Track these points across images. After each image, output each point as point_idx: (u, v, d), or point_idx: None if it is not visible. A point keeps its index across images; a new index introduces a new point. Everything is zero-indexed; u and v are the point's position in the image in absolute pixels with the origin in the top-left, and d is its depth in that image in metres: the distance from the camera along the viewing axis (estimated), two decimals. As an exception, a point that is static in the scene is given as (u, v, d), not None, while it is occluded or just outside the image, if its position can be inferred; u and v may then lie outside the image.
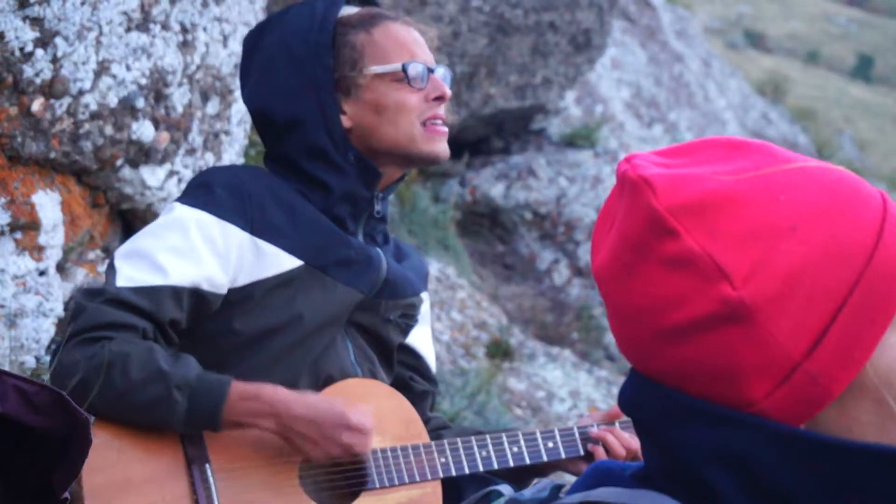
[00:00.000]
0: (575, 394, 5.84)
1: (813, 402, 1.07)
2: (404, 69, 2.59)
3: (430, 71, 2.64)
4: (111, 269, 2.46)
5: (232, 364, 2.49)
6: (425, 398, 2.84)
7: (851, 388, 1.07)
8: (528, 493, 1.07)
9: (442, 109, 2.65)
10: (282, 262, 2.53)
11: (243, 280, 2.52)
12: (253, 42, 2.70)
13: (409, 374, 2.83)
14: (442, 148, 2.65)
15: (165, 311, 2.43)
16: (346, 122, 2.60)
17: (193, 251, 2.46)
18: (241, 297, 2.52)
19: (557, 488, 1.07)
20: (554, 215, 7.59)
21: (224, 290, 2.50)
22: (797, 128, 17.42)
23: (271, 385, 2.43)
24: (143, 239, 2.51)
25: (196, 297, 2.46)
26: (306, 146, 2.60)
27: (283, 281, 2.54)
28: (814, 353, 1.06)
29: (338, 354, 2.61)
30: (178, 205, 2.53)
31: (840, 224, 1.07)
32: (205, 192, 2.53)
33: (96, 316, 2.38)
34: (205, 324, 2.51)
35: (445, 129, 2.65)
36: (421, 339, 2.87)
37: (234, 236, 2.50)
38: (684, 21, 15.40)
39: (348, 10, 2.69)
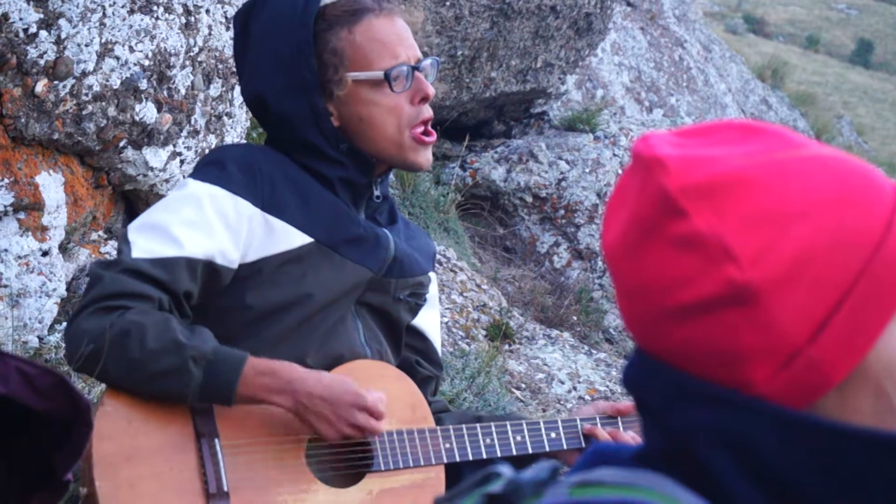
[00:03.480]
0: (574, 376, 5.86)
1: (812, 389, 1.07)
2: (386, 77, 2.59)
3: (415, 68, 2.62)
4: (125, 242, 2.47)
5: (241, 339, 2.51)
6: (428, 383, 2.85)
7: (852, 376, 1.07)
8: (527, 474, 1.07)
9: (428, 111, 2.66)
10: (292, 238, 2.55)
11: (253, 255, 2.53)
12: (243, 26, 2.68)
13: (414, 358, 2.84)
14: (426, 158, 2.66)
15: (181, 283, 2.44)
16: (334, 121, 2.61)
17: (207, 224, 2.47)
18: (251, 272, 2.53)
19: (556, 470, 1.07)
20: (554, 198, 7.60)
21: (235, 265, 2.51)
22: (796, 113, 17.41)
23: (287, 362, 2.45)
24: (157, 213, 2.52)
25: (209, 270, 2.48)
26: (299, 142, 2.62)
27: (293, 257, 2.55)
28: (816, 340, 1.05)
29: (348, 334, 2.62)
30: (191, 180, 2.55)
31: (850, 213, 1.07)
32: (217, 168, 2.55)
33: (113, 285, 2.39)
34: (215, 299, 2.52)
35: (432, 139, 2.66)
36: (429, 322, 2.87)
37: (246, 211, 2.51)
38: (685, 6, 15.37)
39: None
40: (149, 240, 2.45)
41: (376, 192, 2.69)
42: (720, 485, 1.07)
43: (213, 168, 2.56)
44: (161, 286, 2.42)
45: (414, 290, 2.76)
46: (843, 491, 1.07)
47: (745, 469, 1.07)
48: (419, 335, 2.86)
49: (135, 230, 2.49)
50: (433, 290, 2.87)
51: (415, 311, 2.80)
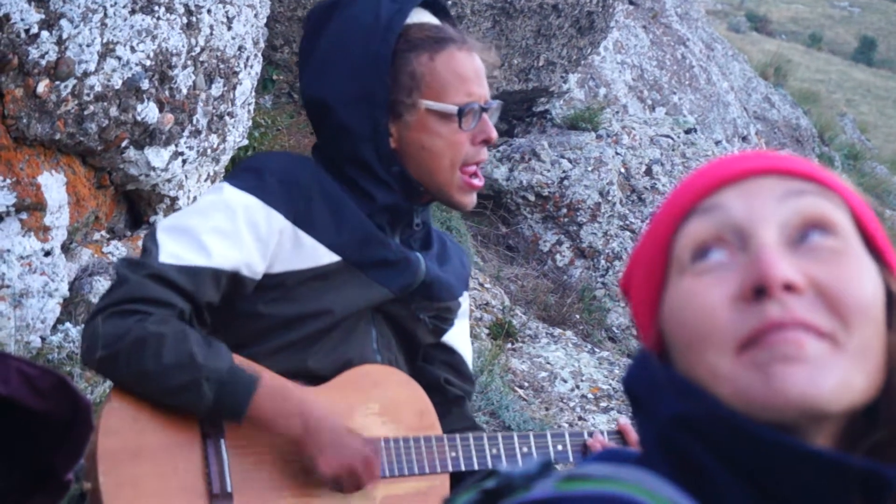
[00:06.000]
0: (577, 374, 5.86)
1: (654, 346, 1.18)
2: (460, 112, 2.54)
3: (484, 109, 2.59)
4: (153, 242, 2.44)
5: (254, 344, 2.50)
6: (460, 404, 2.83)
7: (669, 335, 1.15)
8: (518, 469, 1.09)
9: (485, 153, 2.62)
10: (320, 256, 2.52)
11: (279, 267, 2.51)
12: (315, 26, 2.64)
13: (444, 376, 2.80)
14: (471, 200, 2.62)
15: (205, 293, 2.42)
16: (392, 142, 2.57)
17: (237, 235, 2.45)
18: (274, 283, 2.51)
19: (547, 465, 1.09)
20: (556, 197, 7.60)
21: (260, 276, 2.49)
22: (799, 111, 17.40)
23: (301, 387, 2.44)
24: (189, 216, 2.50)
25: (234, 281, 2.46)
26: (352, 156, 2.58)
27: (319, 275, 2.52)
28: (631, 302, 1.22)
29: (360, 339, 2.60)
30: (227, 186, 2.52)
31: (664, 208, 1.20)
32: (255, 176, 2.52)
33: (137, 289, 2.38)
34: (233, 305, 2.51)
35: (481, 184, 2.64)
36: (457, 335, 2.84)
37: (277, 224, 2.48)
38: (687, 4, 15.38)
39: (416, 17, 2.62)
40: (177, 244, 2.44)
41: (416, 220, 2.66)
42: (706, 475, 1.09)
43: (251, 175, 2.54)
44: (184, 295, 2.41)
45: (439, 314, 2.73)
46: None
47: (718, 455, 1.09)
48: (446, 349, 2.82)
49: (164, 231, 2.47)
50: (464, 306, 2.85)
51: (438, 334, 2.77)
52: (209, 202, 2.51)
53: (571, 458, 2.73)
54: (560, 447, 2.73)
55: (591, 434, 2.78)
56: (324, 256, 2.53)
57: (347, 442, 2.43)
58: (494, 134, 2.60)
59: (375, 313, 2.64)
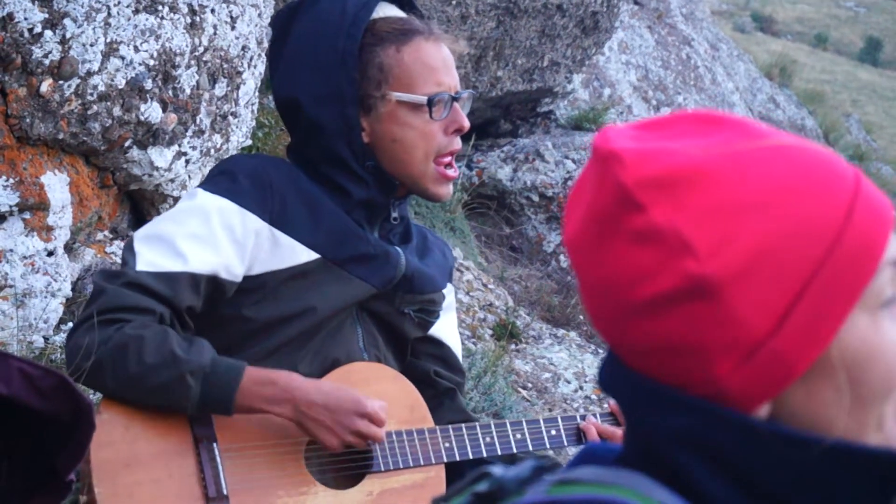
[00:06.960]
0: (580, 375, 5.85)
1: (776, 381, 1.05)
2: (429, 102, 2.57)
3: (455, 98, 2.61)
4: (130, 252, 2.46)
5: (240, 349, 2.51)
6: (451, 395, 2.83)
7: (816, 367, 1.06)
8: (510, 472, 1.08)
9: (458, 143, 2.64)
10: (298, 254, 2.54)
11: (258, 269, 2.52)
12: (282, 26, 2.66)
13: (433, 368, 2.81)
14: (447, 191, 2.65)
15: (183, 298, 2.43)
16: (364, 137, 2.59)
17: (213, 238, 2.46)
18: (255, 285, 2.52)
19: (540, 468, 1.08)
20: (561, 198, 7.59)
21: (239, 279, 2.51)
22: (804, 111, 17.37)
23: (285, 371, 2.44)
24: (164, 223, 2.51)
25: (213, 285, 2.47)
26: (326, 153, 2.59)
27: (298, 273, 2.54)
28: (778, 332, 1.05)
29: (346, 339, 2.62)
30: (200, 191, 2.53)
31: (809, 203, 1.06)
32: (228, 179, 2.53)
33: (115, 298, 2.39)
34: (217, 309, 2.52)
35: (456, 174, 2.65)
36: (445, 327, 2.85)
37: (253, 225, 2.49)
38: (692, 4, 15.35)
39: (382, 11, 2.64)
40: (154, 252, 2.45)
41: (394, 214, 2.67)
42: (695, 486, 1.08)
43: (224, 179, 2.55)
44: (163, 300, 2.42)
45: (423, 307, 2.74)
46: (810, 494, 1.07)
47: (717, 469, 1.07)
48: (434, 342, 2.84)
49: (141, 240, 2.48)
50: (450, 299, 2.86)
51: (424, 326, 2.78)
52: (183, 208, 2.53)
53: (566, 443, 2.73)
54: (554, 432, 2.74)
55: (583, 417, 2.79)
56: (302, 255, 2.54)
57: (342, 407, 2.43)
58: (466, 123, 2.62)
59: (360, 312, 2.65)
